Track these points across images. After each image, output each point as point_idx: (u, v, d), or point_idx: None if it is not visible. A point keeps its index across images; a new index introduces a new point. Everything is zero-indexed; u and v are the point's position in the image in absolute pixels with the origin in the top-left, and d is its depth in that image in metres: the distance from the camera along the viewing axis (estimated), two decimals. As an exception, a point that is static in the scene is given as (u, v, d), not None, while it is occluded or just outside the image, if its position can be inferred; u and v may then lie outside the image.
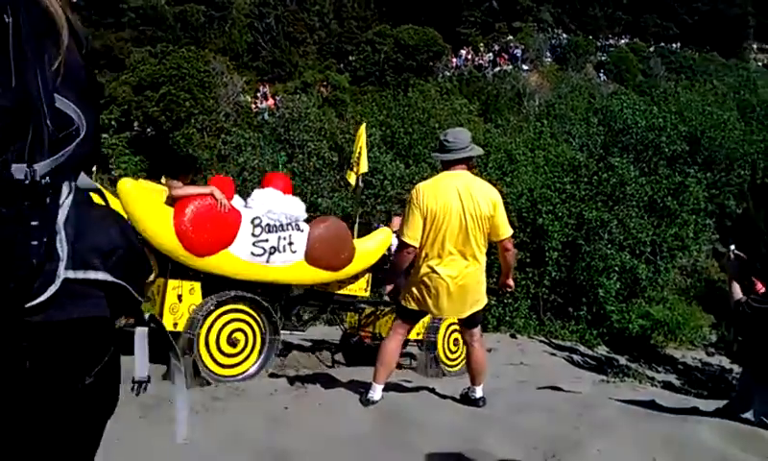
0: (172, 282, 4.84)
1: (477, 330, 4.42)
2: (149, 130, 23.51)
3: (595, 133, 18.97)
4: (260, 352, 5.09)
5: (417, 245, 4.13)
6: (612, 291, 14.84)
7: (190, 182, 5.18)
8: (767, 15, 42.88)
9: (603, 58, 37.75)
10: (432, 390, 4.91)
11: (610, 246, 15.03)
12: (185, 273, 4.83)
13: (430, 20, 34.40)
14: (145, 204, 4.64)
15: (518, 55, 34.35)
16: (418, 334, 6.24)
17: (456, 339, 6.28)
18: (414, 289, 4.25)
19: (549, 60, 36.27)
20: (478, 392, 4.51)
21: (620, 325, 15.23)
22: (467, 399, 4.56)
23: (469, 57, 33.50)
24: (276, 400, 4.56)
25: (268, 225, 5.09)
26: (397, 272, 4.39)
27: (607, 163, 16.14)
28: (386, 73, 30.13)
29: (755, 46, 44.87)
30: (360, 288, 6.02)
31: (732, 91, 25.21)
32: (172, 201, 4.76)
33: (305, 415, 4.19)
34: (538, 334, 14.40)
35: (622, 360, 14.68)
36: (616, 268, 14.83)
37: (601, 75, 35.51)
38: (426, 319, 5.84)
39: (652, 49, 40.20)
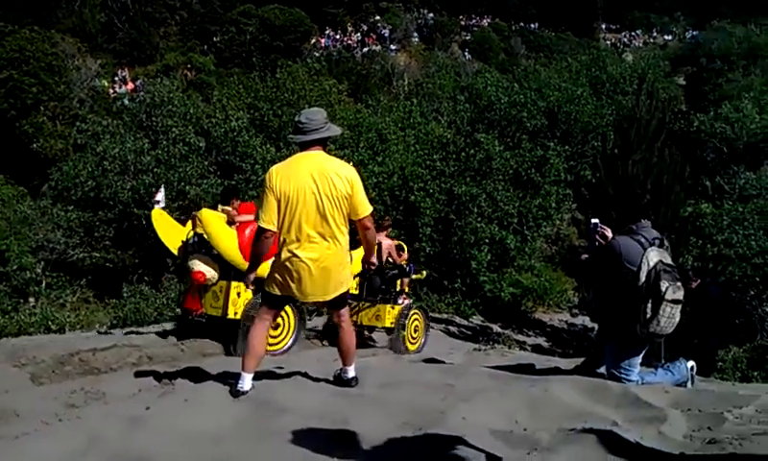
0: (234, 284, 6.19)
1: (345, 311, 4.33)
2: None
3: (462, 110, 19.49)
4: (293, 334, 6.57)
5: (273, 229, 3.98)
6: (484, 262, 15.38)
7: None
8: (613, -1, 46.14)
9: (467, 37, 38.94)
10: (305, 374, 4.79)
11: (479, 219, 15.55)
12: (242, 277, 5.39)
13: (297, 0, 33.83)
14: (218, 227, 6.26)
15: (386, 35, 34.67)
16: (391, 323, 7.66)
17: (417, 326, 7.94)
18: (276, 274, 4.10)
19: (416, 39, 36.90)
20: (350, 372, 4.44)
21: (493, 294, 15.86)
22: (339, 380, 4.49)
23: (338, 37, 33.34)
24: (139, 400, 4.28)
25: None
26: (258, 258, 4.21)
27: (474, 139, 16.65)
28: (253, 54, 29.25)
29: (603, 26, 48.11)
30: (352, 287, 7.12)
31: (584, 68, 26.77)
32: (232, 223, 6.37)
33: (169, 413, 3.93)
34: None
35: (496, 327, 15.34)
36: (487, 240, 15.37)
37: (466, 54, 36.62)
38: (397, 309, 7.63)
39: (513, 29, 41.97)
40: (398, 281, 8.23)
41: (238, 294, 6.18)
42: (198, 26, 34.43)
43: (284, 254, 4.00)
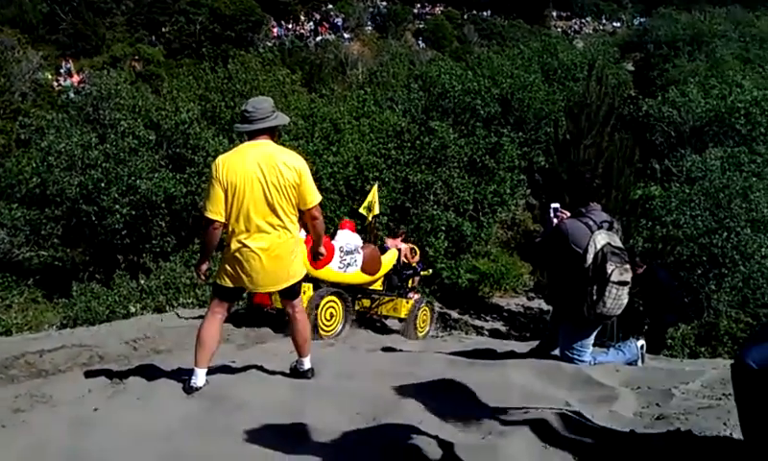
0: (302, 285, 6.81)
1: (298, 301, 4.29)
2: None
3: (416, 98, 19.52)
4: (343, 321, 7.79)
5: (220, 219, 3.92)
6: (441, 249, 15.47)
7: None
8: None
9: (421, 25, 38.98)
10: (260, 368, 4.73)
11: (435, 207, 15.64)
12: (307, 278, 6.73)
13: (247, -12, 33.24)
14: None
15: (339, 24, 34.44)
16: (405, 314, 8.78)
17: (424, 318, 9.10)
18: (227, 266, 4.03)
19: (370, 28, 36.77)
20: (306, 363, 4.40)
21: (451, 280, 15.99)
22: (295, 372, 4.45)
23: (290, 26, 32.96)
24: (88, 401, 4.16)
25: (347, 251, 8.09)
26: (209, 250, 4.13)
27: (428, 128, 16.70)
28: (203, 45, 28.71)
29: (554, 14, 48.78)
30: (378, 284, 9.04)
31: (536, 56, 27.09)
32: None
33: (119, 414, 3.84)
34: (374, 299, 14.64)
35: (454, 314, 15.48)
36: (443, 227, 15.47)
37: (420, 42, 36.67)
38: (410, 303, 8.77)
39: (465, 17, 42.19)
40: (411, 279, 9.88)
41: (303, 292, 6.63)
42: (145, 16, 33.50)
43: (234, 245, 3.94)
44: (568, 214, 4.68)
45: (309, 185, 4.01)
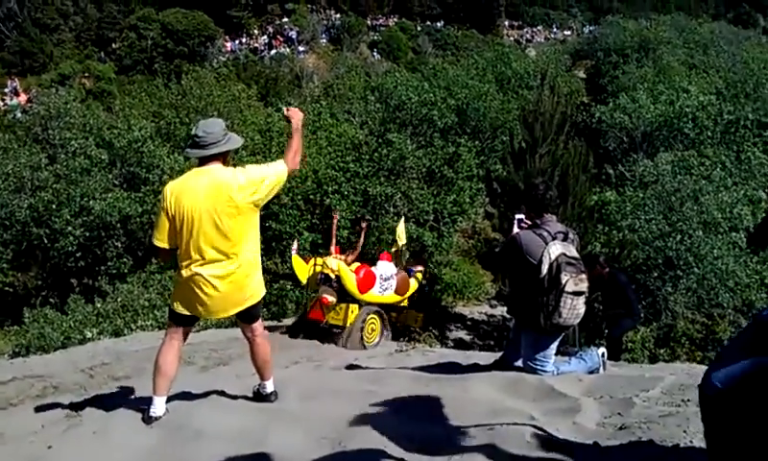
0: (350, 306, 9.08)
1: (258, 325, 4.19)
2: None
3: (373, 110, 19.57)
4: (380, 334, 9.34)
5: (166, 246, 3.85)
6: (403, 261, 15.45)
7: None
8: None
9: (375, 37, 39.17)
10: (222, 392, 4.63)
11: (396, 218, 15.63)
12: (355, 301, 9.18)
13: (199, 3, 32.93)
14: (344, 270, 9.16)
15: (294, 37, 34.33)
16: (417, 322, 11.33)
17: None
18: (181, 293, 3.93)
19: (324, 41, 36.78)
20: (269, 386, 4.32)
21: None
22: (258, 395, 4.37)
23: (244, 40, 32.74)
24: (41, 437, 3.99)
25: (385, 278, 9.72)
26: (170, 257, 4.04)
27: (386, 140, 16.73)
28: (155, 60, 28.31)
29: (506, 23, 49.61)
30: (404, 301, 10.51)
31: (490, 65, 27.49)
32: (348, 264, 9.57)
33: (74, 449, 3.70)
34: (335, 313, 14.55)
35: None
36: (404, 238, 15.45)
37: (375, 54, 36.83)
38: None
39: (419, 28, 42.58)
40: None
41: (351, 311, 9.10)
42: (95, 32, 32.92)
43: (186, 273, 3.83)
44: (528, 221, 4.74)
45: (261, 171, 3.92)
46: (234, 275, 3.86)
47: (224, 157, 3.94)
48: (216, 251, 3.79)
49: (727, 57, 32.09)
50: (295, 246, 10.70)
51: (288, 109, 4.31)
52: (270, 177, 3.93)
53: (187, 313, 3.98)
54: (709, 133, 20.18)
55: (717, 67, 29.09)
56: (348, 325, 9.06)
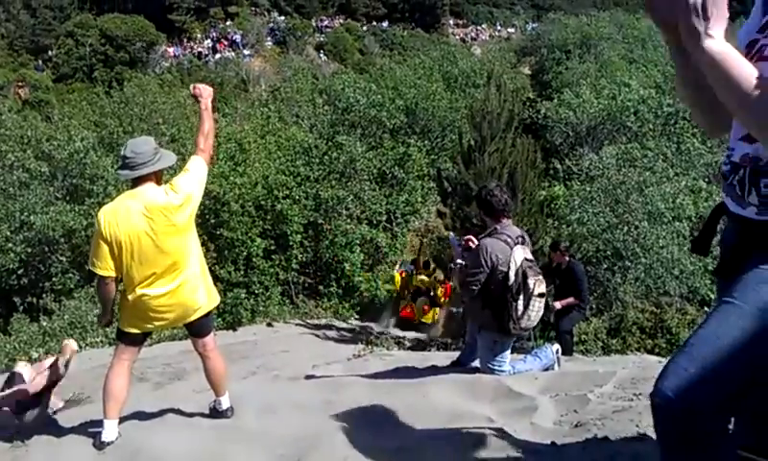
0: (434, 309, 13.55)
1: (210, 339, 4.10)
2: None
3: (322, 113, 19.50)
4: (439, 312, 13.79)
5: (111, 274, 3.69)
6: (358, 263, 15.49)
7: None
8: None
9: (321, 38, 39.00)
10: (178, 410, 4.51)
11: (349, 221, 15.63)
12: (438, 305, 13.49)
13: (138, 8, 32.16)
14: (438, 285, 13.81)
15: (238, 40, 33.90)
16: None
17: None
18: (130, 315, 3.82)
19: (270, 43, 36.42)
20: (224, 403, 4.22)
21: (369, 293, 16.00)
22: (214, 412, 4.26)
23: (186, 45, 32.14)
24: (-14, 469, 3.82)
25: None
26: (108, 303, 3.90)
27: (336, 142, 16.69)
28: (95, 68, 27.52)
29: (451, 22, 50.08)
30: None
31: (437, 64, 27.71)
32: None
33: (21, 483, 3.55)
34: (294, 318, 14.49)
35: (375, 326, 15.48)
36: (358, 241, 15.49)
37: (321, 55, 36.67)
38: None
39: (365, 28, 42.59)
40: None
41: (435, 313, 13.02)
42: (29, 39, 31.70)
43: (133, 296, 3.72)
44: (471, 237, 4.82)
45: (192, 184, 3.81)
46: (181, 288, 3.78)
47: (156, 176, 3.82)
48: (159, 271, 3.70)
49: (664, 50, 32.98)
50: (398, 266, 15.25)
51: (195, 87, 4.10)
52: (196, 183, 3.85)
53: (138, 332, 3.88)
54: (651, 126, 20.78)
55: (655, 61, 29.92)
56: (434, 321, 13.90)
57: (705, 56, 1.47)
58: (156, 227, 3.63)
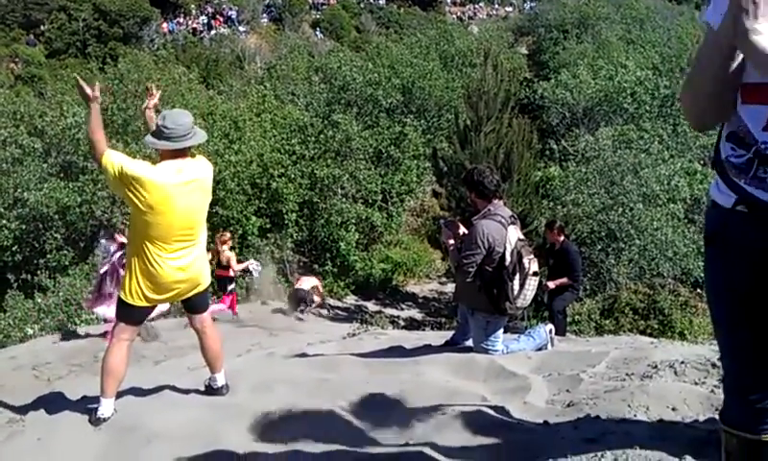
0: None
1: (207, 316, 4.16)
2: None
3: (318, 91, 19.39)
4: None
5: (113, 163, 3.61)
6: (353, 242, 15.51)
7: None
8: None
9: (317, 16, 38.64)
10: (173, 387, 4.53)
11: (344, 200, 15.63)
12: None
13: (133, -17, 31.70)
14: None
15: (234, 16, 33.56)
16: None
17: None
18: (144, 285, 3.78)
19: (265, 20, 36.06)
20: (219, 380, 4.26)
21: (364, 272, 16.06)
22: (210, 389, 4.30)
23: (182, 20, 31.81)
24: (-19, 448, 3.82)
25: None
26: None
27: (332, 121, 16.62)
28: (88, 43, 27.21)
29: (449, 0, 49.58)
30: None
31: (434, 43, 27.49)
32: None
33: (17, 459, 3.56)
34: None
35: (370, 305, 15.55)
36: (353, 220, 15.50)
37: (318, 33, 36.35)
38: None
39: (362, 5, 42.19)
40: None
41: None
42: (21, 14, 31.26)
43: (153, 262, 3.72)
44: (454, 225, 4.93)
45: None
46: (194, 263, 3.88)
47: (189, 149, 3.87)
48: (182, 241, 3.78)
49: (662, 32, 32.89)
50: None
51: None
52: None
53: (145, 306, 3.87)
54: (647, 108, 20.74)
55: (653, 42, 29.80)
56: None
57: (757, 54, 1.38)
58: (190, 197, 3.72)
